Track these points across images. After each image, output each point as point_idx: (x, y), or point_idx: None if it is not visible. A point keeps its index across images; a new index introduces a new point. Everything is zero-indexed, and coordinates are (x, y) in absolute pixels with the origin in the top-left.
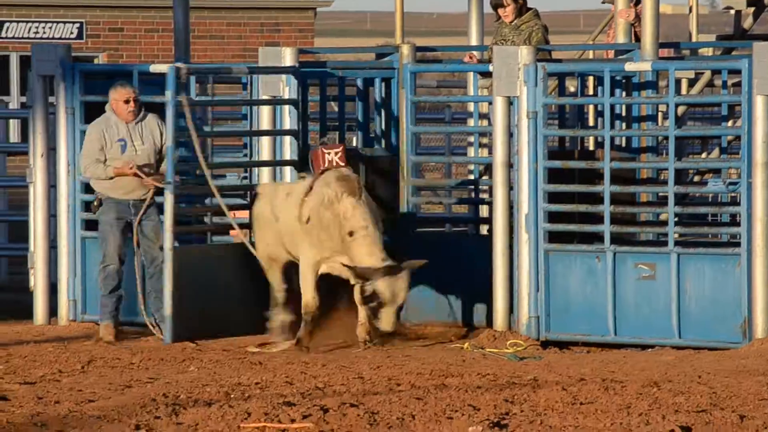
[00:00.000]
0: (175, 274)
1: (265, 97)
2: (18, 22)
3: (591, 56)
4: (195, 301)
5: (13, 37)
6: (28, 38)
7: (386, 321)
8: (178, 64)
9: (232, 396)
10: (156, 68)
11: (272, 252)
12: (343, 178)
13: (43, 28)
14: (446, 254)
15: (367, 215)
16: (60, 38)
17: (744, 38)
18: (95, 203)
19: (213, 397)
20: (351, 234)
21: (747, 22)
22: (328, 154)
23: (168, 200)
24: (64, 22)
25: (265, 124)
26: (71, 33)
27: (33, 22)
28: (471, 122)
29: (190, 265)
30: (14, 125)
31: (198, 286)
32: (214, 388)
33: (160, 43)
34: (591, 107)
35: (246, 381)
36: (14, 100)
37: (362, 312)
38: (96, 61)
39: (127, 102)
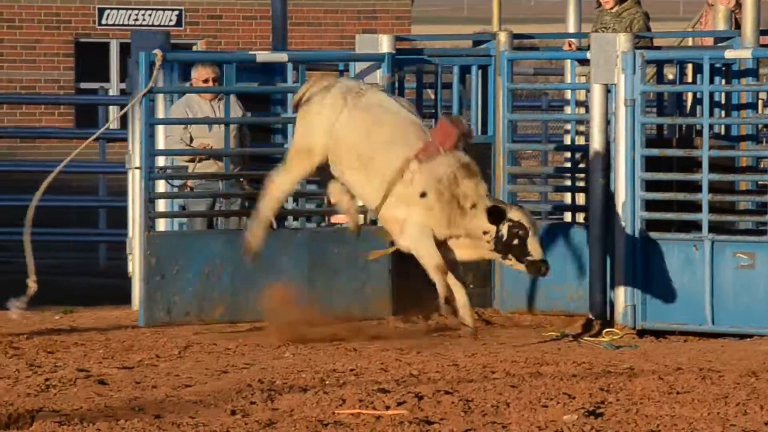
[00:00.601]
0: (147, 258)
1: None
2: (118, 9)
3: (690, 43)
4: (170, 286)
5: (113, 25)
6: (128, 25)
7: (537, 249)
8: (155, 51)
9: (327, 382)
10: (264, 57)
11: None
12: (464, 165)
13: (143, 15)
14: (543, 242)
15: (486, 190)
16: (159, 25)
17: None
18: (186, 189)
19: (308, 384)
20: (474, 206)
21: None
22: (458, 135)
23: (140, 185)
24: (164, 10)
25: None
26: (170, 20)
27: (132, 9)
28: (568, 110)
29: (166, 249)
30: (114, 112)
31: (175, 271)
32: (309, 374)
33: (258, 30)
34: (690, 95)
35: (341, 367)
36: (114, 87)
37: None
38: (194, 48)
39: (206, 82)
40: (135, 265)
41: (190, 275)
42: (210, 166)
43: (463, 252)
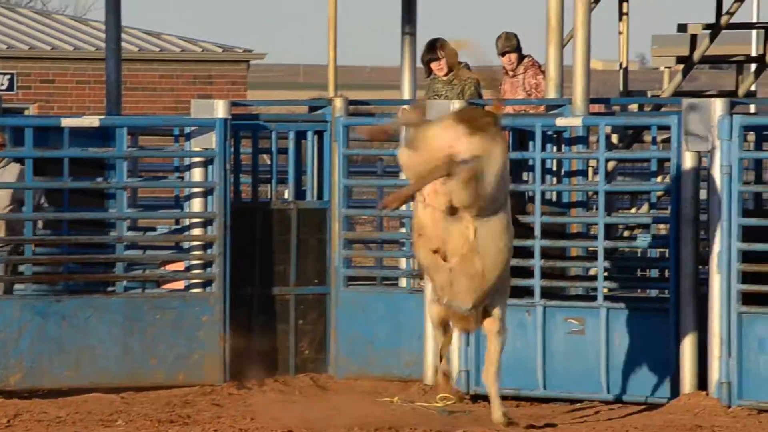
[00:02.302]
0: None
1: (196, 149)
2: None
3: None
4: None
5: None
6: None
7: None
8: None
9: None
10: (70, 122)
11: None
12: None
13: None
14: (377, 308)
15: None
16: None
17: (674, 95)
18: None
19: None
20: None
21: (676, 80)
22: None
23: None
24: None
25: (197, 177)
26: (2, 84)
27: None
28: (403, 176)
29: None
30: None
31: None
32: None
33: (92, 95)
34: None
35: None
36: None
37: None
38: (27, 112)
39: None
40: None
41: None
42: None
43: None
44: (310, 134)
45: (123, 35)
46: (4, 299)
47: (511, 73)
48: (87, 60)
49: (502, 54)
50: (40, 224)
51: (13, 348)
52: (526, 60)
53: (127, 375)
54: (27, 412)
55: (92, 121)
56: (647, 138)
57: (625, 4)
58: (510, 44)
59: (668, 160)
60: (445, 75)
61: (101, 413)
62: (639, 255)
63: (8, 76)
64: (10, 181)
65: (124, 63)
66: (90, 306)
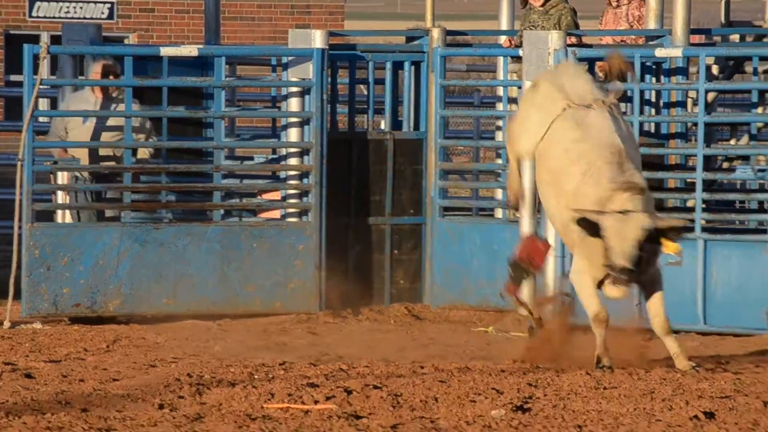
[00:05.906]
0: (31, 250)
1: (294, 79)
2: (49, 1)
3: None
4: (57, 278)
5: (44, 17)
6: (59, 18)
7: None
8: (42, 43)
9: (255, 377)
10: (169, 51)
11: None
12: None
13: (74, 7)
14: (473, 238)
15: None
16: (91, 18)
17: None
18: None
19: (237, 378)
20: None
21: None
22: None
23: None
24: (95, 2)
25: (294, 107)
26: (102, 13)
27: (63, 2)
28: (500, 106)
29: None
30: (44, 104)
31: (63, 263)
32: (238, 368)
33: (191, 24)
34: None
35: (270, 362)
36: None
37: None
38: (126, 41)
39: (105, 76)
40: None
41: (82, 267)
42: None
43: None
44: (407, 65)
45: None
46: (103, 227)
47: (615, 3)
48: None
49: None
50: (147, 153)
51: (112, 275)
52: None
53: (224, 302)
54: (126, 338)
55: (191, 50)
56: (748, 69)
57: None
58: None
59: None
60: (542, 5)
61: (198, 339)
62: (738, 187)
63: (108, 5)
64: (122, 110)
65: None
66: (188, 234)
